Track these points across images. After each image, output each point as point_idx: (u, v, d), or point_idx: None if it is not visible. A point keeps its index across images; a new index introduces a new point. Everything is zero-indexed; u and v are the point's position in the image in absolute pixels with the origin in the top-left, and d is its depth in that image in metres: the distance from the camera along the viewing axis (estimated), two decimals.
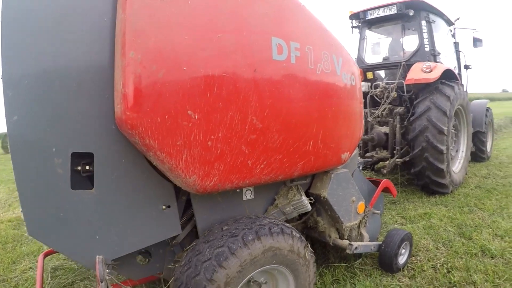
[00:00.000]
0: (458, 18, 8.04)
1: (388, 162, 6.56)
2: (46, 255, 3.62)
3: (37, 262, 3.87)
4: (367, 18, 7.12)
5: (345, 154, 3.07)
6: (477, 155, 8.77)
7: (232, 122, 2.07)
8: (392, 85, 6.82)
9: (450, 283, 3.45)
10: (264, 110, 2.23)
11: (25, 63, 1.86)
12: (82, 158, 2.03)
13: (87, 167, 2.06)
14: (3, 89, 1.85)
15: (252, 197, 2.76)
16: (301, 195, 3.00)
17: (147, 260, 2.60)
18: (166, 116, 1.82)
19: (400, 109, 6.73)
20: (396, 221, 5.08)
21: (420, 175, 6.22)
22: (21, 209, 1.97)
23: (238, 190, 2.63)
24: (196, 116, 1.92)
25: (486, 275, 3.54)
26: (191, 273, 2.12)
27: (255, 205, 2.82)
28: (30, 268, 4.17)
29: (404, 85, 6.61)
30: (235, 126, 2.09)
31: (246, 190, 2.71)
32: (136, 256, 2.51)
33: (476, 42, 8.31)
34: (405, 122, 6.68)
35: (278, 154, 2.39)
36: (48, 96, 1.89)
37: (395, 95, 6.79)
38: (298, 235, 2.55)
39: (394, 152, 6.69)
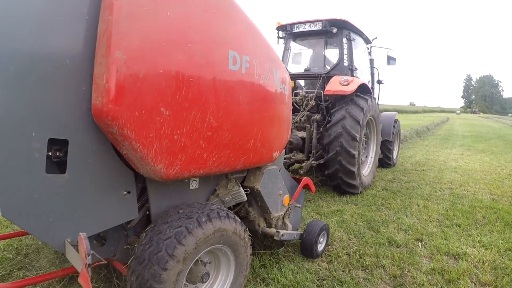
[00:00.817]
0: (376, 38, 8.95)
1: (304, 163, 7.10)
2: None
3: None
4: (293, 31, 7.65)
5: (276, 153, 3.49)
6: (384, 161, 9.72)
7: (194, 120, 2.39)
8: (311, 94, 7.43)
9: (362, 266, 4.03)
10: (219, 111, 2.58)
11: (10, 49, 1.94)
12: (54, 145, 2.16)
13: (57, 153, 2.19)
14: None
15: (197, 187, 3.07)
16: (239, 187, 3.38)
17: (102, 243, 2.77)
18: (143, 111, 2.09)
19: (317, 116, 7.34)
20: (312, 217, 5.60)
21: (333, 176, 6.85)
22: None
23: (186, 180, 2.93)
24: (167, 113, 2.21)
25: (393, 260, 4.18)
26: (154, 250, 2.37)
27: (199, 194, 3.13)
28: None
29: (323, 95, 7.24)
30: (196, 123, 2.42)
31: (193, 181, 3.01)
32: (92, 240, 2.68)
33: (390, 60, 9.23)
34: (321, 129, 7.31)
35: (227, 149, 2.75)
36: (30, 82, 2.01)
37: (314, 104, 7.39)
38: (239, 220, 2.93)
39: (310, 155, 7.26)
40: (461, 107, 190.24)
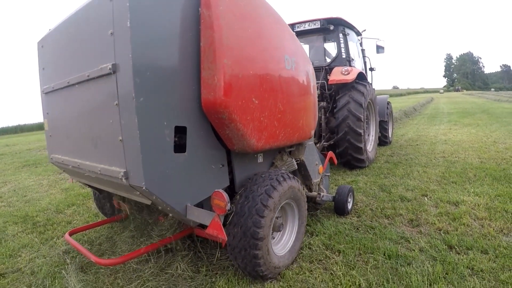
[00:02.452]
0: (365, 30, 9.99)
1: (318, 144, 8.10)
2: (71, 234, 4.28)
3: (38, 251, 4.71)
4: (295, 30, 8.64)
5: (312, 131, 4.47)
6: (381, 140, 10.79)
7: (271, 106, 3.38)
8: (317, 85, 8.44)
9: (385, 216, 5.06)
10: (284, 99, 3.58)
11: (148, 60, 2.60)
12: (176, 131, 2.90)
13: (176, 138, 2.92)
14: (133, 75, 2.51)
15: (262, 160, 4.01)
16: (292, 158, 4.37)
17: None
18: (243, 101, 3.05)
19: (323, 103, 8.36)
20: (331, 188, 6.58)
21: (344, 153, 7.89)
22: (142, 166, 2.58)
23: (255, 155, 3.88)
24: (256, 102, 3.19)
25: (407, 210, 5.22)
26: (252, 204, 3.25)
27: (264, 165, 4.07)
28: (31, 259, 4.53)
29: (326, 85, 8.27)
30: (272, 108, 3.40)
31: (259, 155, 3.96)
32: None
33: (379, 49, 10.32)
34: (327, 114, 8.35)
35: (288, 128, 3.74)
36: (161, 84, 2.70)
37: (319, 93, 8.42)
38: (299, 181, 3.92)
39: (321, 138, 8.32)
40: (444, 86, 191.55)
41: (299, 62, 4.01)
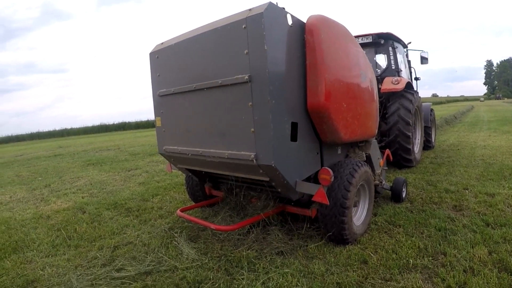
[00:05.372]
0: (410, 42, 10.94)
1: None
2: (182, 211, 5.28)
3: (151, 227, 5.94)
4: None
5: (376, 130, 5.55)
6: (425, 144, 11.59)
7: (353, 109, 4.53)
8: None
9: (433, 203, 6.08)
10: (360, 104, 4.75)
11: (276, 73, 3.61)
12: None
13: (291, 130, 3.97)
14: (269, 84, 3.51)
15: (340, 152, 5.08)
16: (362, 151, 5.47)
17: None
18: (337, 104, 4.20)
19: None
20: (387, 181, 7.58)
21: (394, 154, 8.76)
22: (272, 150, 3.59)
23: (336, 148, 4.94)
24: (345, 105, 4.33)
25: (452, 199, 6.22)
26: (340, 182, 4.33)
27: (341, 156, 5.12)
28: (138, 235, 5.41)
29: (378, 93, 9.28)
30: (354, 110, 4.55)
31: (338, 148, 5.01)
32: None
33: (423, 60, 11.24)
34: (379, 119, 9.34)
35: (363, 126, 4.87)
36: (283, 91, 3.71)
37: None
38: (370, 167, 5.00)
39: None
40: (485, 94, 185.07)
41: (368, 75, 5.14)
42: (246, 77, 3.69)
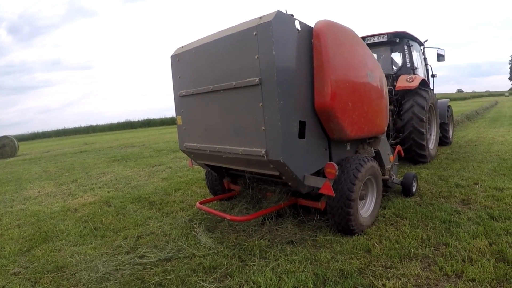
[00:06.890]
0: (426, 40, 11.07)
1: None
2: (201, 203, 5.65)
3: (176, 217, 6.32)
4: (366, 43, 9.86)
5: (385, 127, 5.79)
6: (442, 140, 11.72)
7: (359, 108, 4.79)
8: None
9: (442, 197, 6.28)
10: (367, 103, 4.99)
11: (284, 75, 3.87)
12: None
13: (299, 128, 4.26)
14: (277, 86, 3.77)
15: (349, 148, 5.33)
16: (371, 148, 5.72)
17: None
18: (343, 103, 4.46)
19: (391, 107, 9.49)
20: (399, 177, 7.79)
21: (408, 150, 9.01)
22: (281, 146, 3.87)
23: (345, 144, 5.18)
24: (351, 104, 4.60)
25: (461, 193, 6.40)
26: (347, 175, 4.60)
27: (350, 152, 5.37)
28: (160, 226, 5.75)
29: (393, 90, 9.46)
30: (360, 109, 4.81)
31: (347, 144, 5.25)
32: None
33: (439, 57, 11.32)
34: (394, 116, 9.53)
35: (370, 123, 5.12)
36: (291, 92, 3.97)
37: None
38: (377, 163, 5.25)
39: (388, 137, 9.49)
40: (510, 89, 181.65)
41: (376, 75, 5.37)
42: (257, 80, 3.99)
